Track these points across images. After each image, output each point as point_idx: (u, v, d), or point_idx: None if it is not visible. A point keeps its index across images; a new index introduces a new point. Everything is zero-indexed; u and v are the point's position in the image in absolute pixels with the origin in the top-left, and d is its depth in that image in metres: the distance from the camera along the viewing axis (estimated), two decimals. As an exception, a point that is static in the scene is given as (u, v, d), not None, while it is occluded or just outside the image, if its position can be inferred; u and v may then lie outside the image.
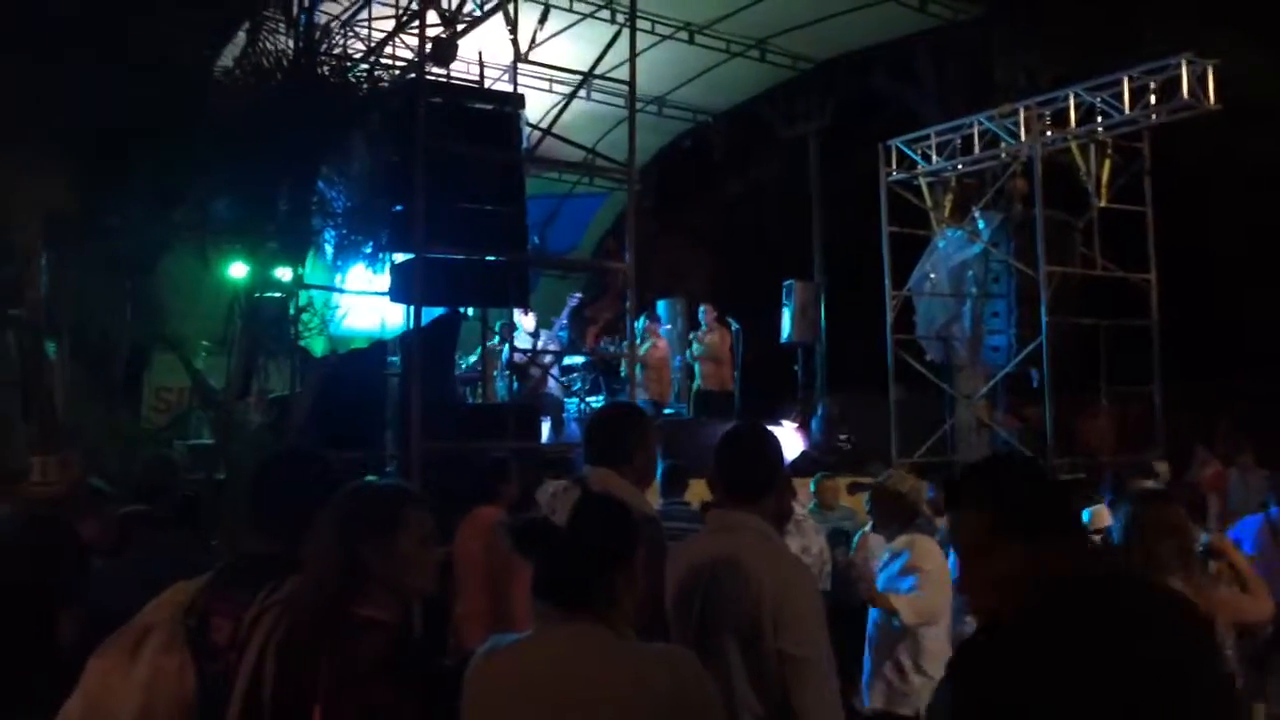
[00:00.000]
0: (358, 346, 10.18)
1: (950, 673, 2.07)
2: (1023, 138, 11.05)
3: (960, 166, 12.05)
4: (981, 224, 11.82)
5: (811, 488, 7.60)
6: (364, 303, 10.23)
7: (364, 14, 10.41)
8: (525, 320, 11.22)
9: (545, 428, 10.27)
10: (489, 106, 8.58)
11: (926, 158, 12.15)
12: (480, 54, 9.72)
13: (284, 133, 7.86)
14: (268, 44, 8.38)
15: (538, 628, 2.05)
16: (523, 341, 10.81)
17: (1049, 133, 10.96)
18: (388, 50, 9.77)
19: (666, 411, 12.61)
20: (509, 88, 9.36)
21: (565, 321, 12.24)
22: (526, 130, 9.02)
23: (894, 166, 12.42)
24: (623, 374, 10.78)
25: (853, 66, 13.42)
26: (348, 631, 1.97)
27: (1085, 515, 5.54)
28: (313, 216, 8.70)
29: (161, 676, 2.27)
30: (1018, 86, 12.11)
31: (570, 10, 10.73)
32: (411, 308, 7.98)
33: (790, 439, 12.13)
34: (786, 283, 13.54)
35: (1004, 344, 11.54)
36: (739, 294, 14.33)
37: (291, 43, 8.52)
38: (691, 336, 12.98)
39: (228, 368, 8.56)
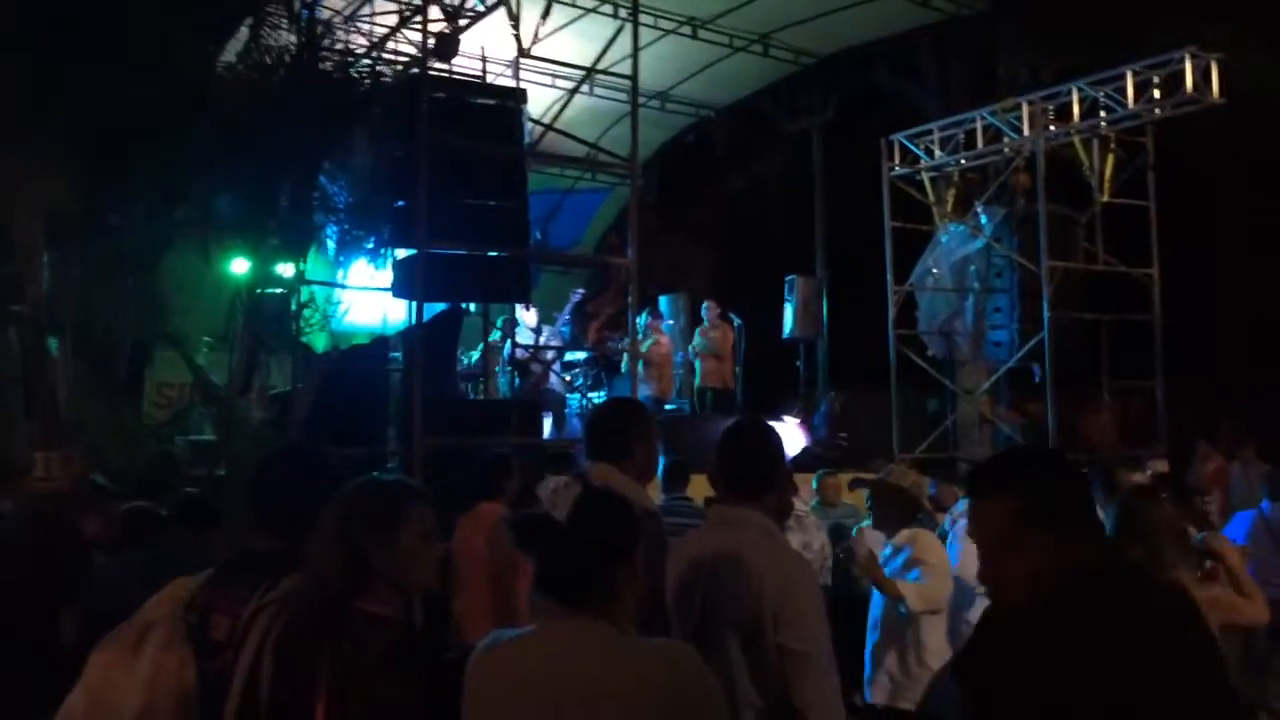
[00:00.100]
0: (359, 342, 10.21)
1: (969, 662, 2.07)
2: (1025, 132, 11.03)
3: (963, 161, 12.03)
4: (984, 219, 11.80)
5: (814, 484, 7.59)
6: (366, 298, 10.23)
7: (366, 9, 10.40)
8: (527, 316, 11.22)
9: (547, 423, 10.27)
10: (491, 102, 8.58)
11: (929, 152, 12.13)
12: (483, 49, 9.71)
13: (286, 128, 7.86)
14: (270, 39, 8.38)
15: (539, 623, 2.05)
16: (524, 337, 10.81)
17: (1052, 127, 10.94)
18: (390, 45, 9.77)
19: (668, 407, 12.61)
20: (511, 83, 9.36)
21: (567, 317, 12.24)
22: (529, 125, 9.01)
23: (896, 161, 12.40)
24: (624, 369, 10.77)
25: (855, 61, 13.40)
26: (351, 626, 1.97)
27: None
28: (314, 212, 8.71)
29: (163, 673, 2.27)
30: (1020, 81, 12.07)
31: (573, 5, 10.72)
32: (413, 303, 7.99)
33: (792, 435, 12.12)
34: (789, 278, 13.52)
35: (1006, 339, 11.51)
36: (741, 289, 14.33)
37: (293, 38, 8.51)
38: (694, 336, 12.98)
39: (229, 364, 8.58)
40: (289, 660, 1.99)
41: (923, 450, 11.75)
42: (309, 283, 8.94)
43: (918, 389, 12.41)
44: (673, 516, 4.98)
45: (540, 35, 9.22)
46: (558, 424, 10.96)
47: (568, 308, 12.16)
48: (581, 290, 13.16)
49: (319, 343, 9.77)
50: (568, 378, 11.92)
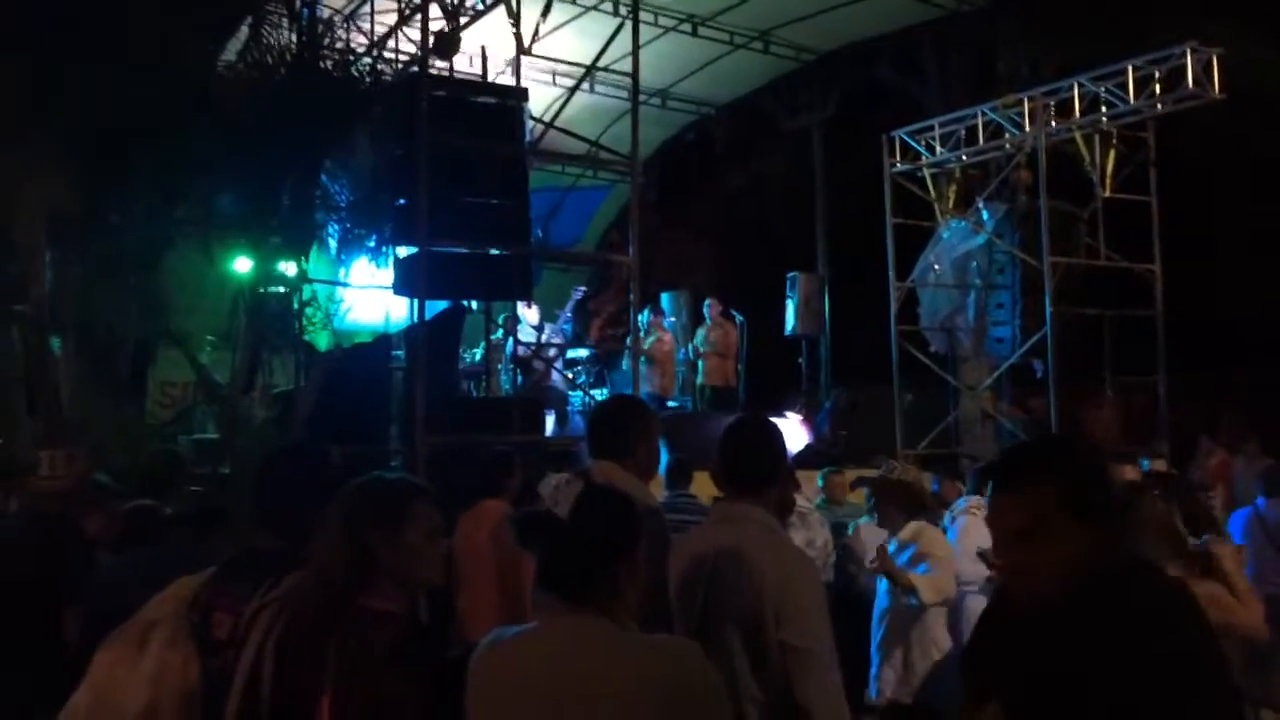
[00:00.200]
0: (362, 341, 10.22)
1: (981, 652, 2.07)
2: (1027, 128, 11.01)
3: (964, 157, 12.01)
4: (985, 215, 11.78)
5: (819, 483, 7.59)
6: (368, 296, 10.25)
7: (366, 8, 10.40)
8: (529, 314, 11.23)
9: (549, 421, 10.28)
10: (492, 100, 8.58)
11: (930, 149, 12.12)
12: (483, 47, 9.71)
13: (287, 127, 7.87)
14: (270, 39, 8.39)
15: (541, 620, 2.05)
16: (526, 335, 10.81)
17: (1053, 123, 10.92)
18: (390, 44, 9.78)
19: (670, 404, 12.61)
20: (512, 81, 9.36)
21: (569, 315, 12.24)
22: (529, 123, 9.01)
23: (898, 158, 12.39)
24: (626, 367, 10.78)
25: (856, 58, 13.39)
26: (357, 622, 1.98)
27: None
28: (316, 211, 8.73)
29: (167, 671, 2.28)
30: (1021, 76, 12.06)
31: (573, 3, 10.72)
32: (415, 301, 7.99)
33: (794, 431, 12.12)
34: (790, 275, 13.52)
35: (1008, 335, 11.50)
36: (742, 286, 14.32)
37: (294, 37, 8.53)
38: (696, 334, 12.98)
39: (232, 363, 8.59)
40: (291, 658, 2.00)
41: (925, 446, 11.75)
42: (311, 281, 8.96)
43: (915, 388, 12.40)
44: (676, 513, 4.99)
45: (540, 33, 9.22)
46: (560, 421, 10.96)
47: (569, 305, 12.16)
48: (583, 288, 13.18)
49: (321, 341, 9.79)
50: (570, 375, 11.93)
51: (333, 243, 9.21)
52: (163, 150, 7.61)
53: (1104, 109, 10.63)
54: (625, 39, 8.70)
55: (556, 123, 9.25)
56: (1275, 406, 9.92)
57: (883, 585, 4.79)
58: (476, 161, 7.96)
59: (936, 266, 12.24)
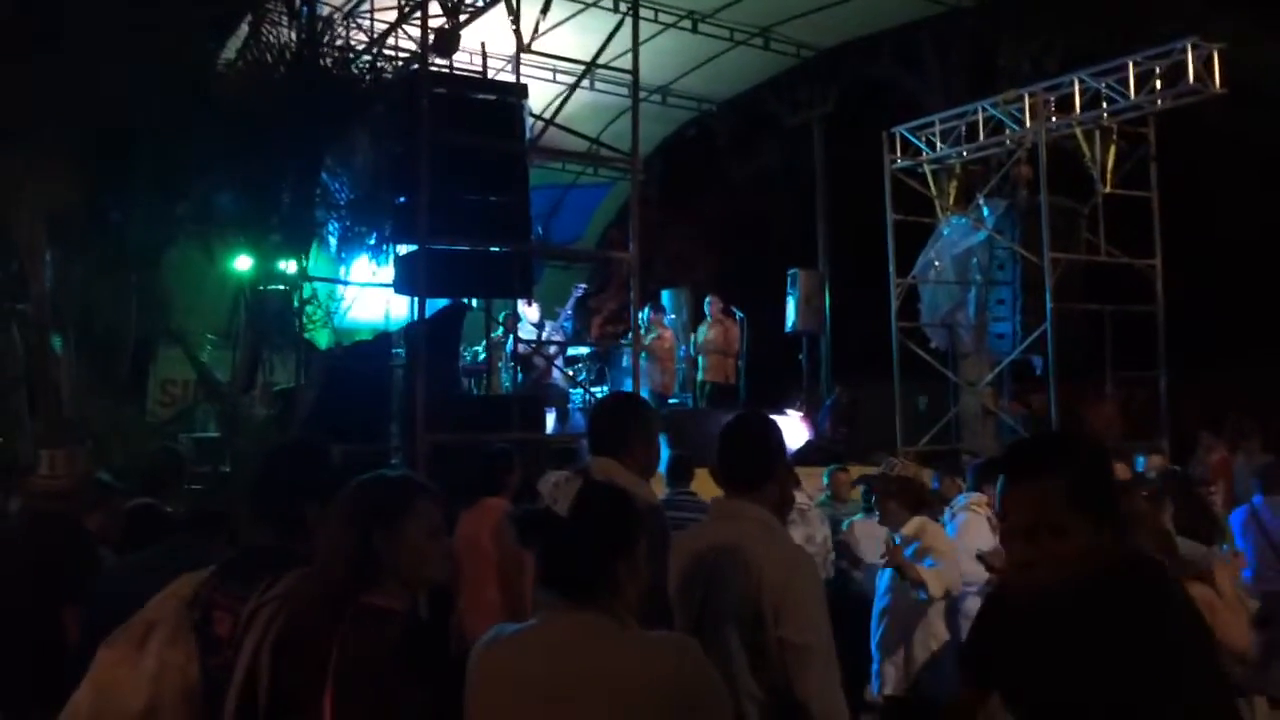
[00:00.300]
0: (362, 339, 10.22)
1: (985, 644, 2.07)
2: (1027, 124, 11.00)
3: (965, 153, 12.01)
4: (986, 211, 11.78)
5: (825, 480, 7.60)
6: (368, 294, 10.24)
7: (366, 5, 10.40)
8: (529, 311, 11.23)
9: (550, 419, 10.29)
10: (492, 97, 8.58)
11: (931, 145, 12.11)
12: (483, 44, 9.69)
13: (287, 125, 7.87)
14: (270, 36, 8.38)
15: (541, 617, 2.06)
16: (527, 332, 10.82)
17: (1054, 119, 10.91)
18: (390, 41, 9.77)
19: (671, 401, 12.63)
20: (512, 78, 9.35)
21: (570, 312, 12.25)
22: (530, 121, 9.00)
23: (898, 154, 12.38)
24: (626, 364, 10.78)
25: (857, 54, 13.39)
26: (359, 620, 1.98)
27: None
28: (316, 208, 8.72)
29: (168, 669, 2.28)
30: (1022, 72, 12.05)
31: (573, 0, 10.71)
32: (415, 299, 7.99)
33: (795, 428, 12.13)
34: (791, 272, 13.52)
35: (1009, 331, 11.49)
36: (743, 283, 14.32)
37: (293, 35, 8.52)
38: (696, 331, 12.99)
39: (233, 361, 8.60)
40: (292, 656, 2.00)
41: (926, 443, 11.75)
42: (311, 279, 8.96)
43: (916, 384, 12.41)
44: (677, 511, 5.00)
45: (540, 30, 9.20)
46: (561, 419, 10.97)
47: (570, 303, 12.17)
48: (584, 285, 13.19)
49: (322, 339, 9.79)
50: (570, 373, 11.93)
51: (333, 240, 9.21)
52: (163, 148, 7.61)
53: (1105, 104, 10.62)
54: (625, 35, 8.69)
55: (557, 120, 9.23)
56: (1276, 402, 9.91)
57: (883, 583, 4.80)
58: (477, 159, 7.95)
59: (937, 263, 12.23)
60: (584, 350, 13.04)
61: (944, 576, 4.46)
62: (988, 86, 11.90)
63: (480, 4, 8.66)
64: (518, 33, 8.91)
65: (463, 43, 8.66)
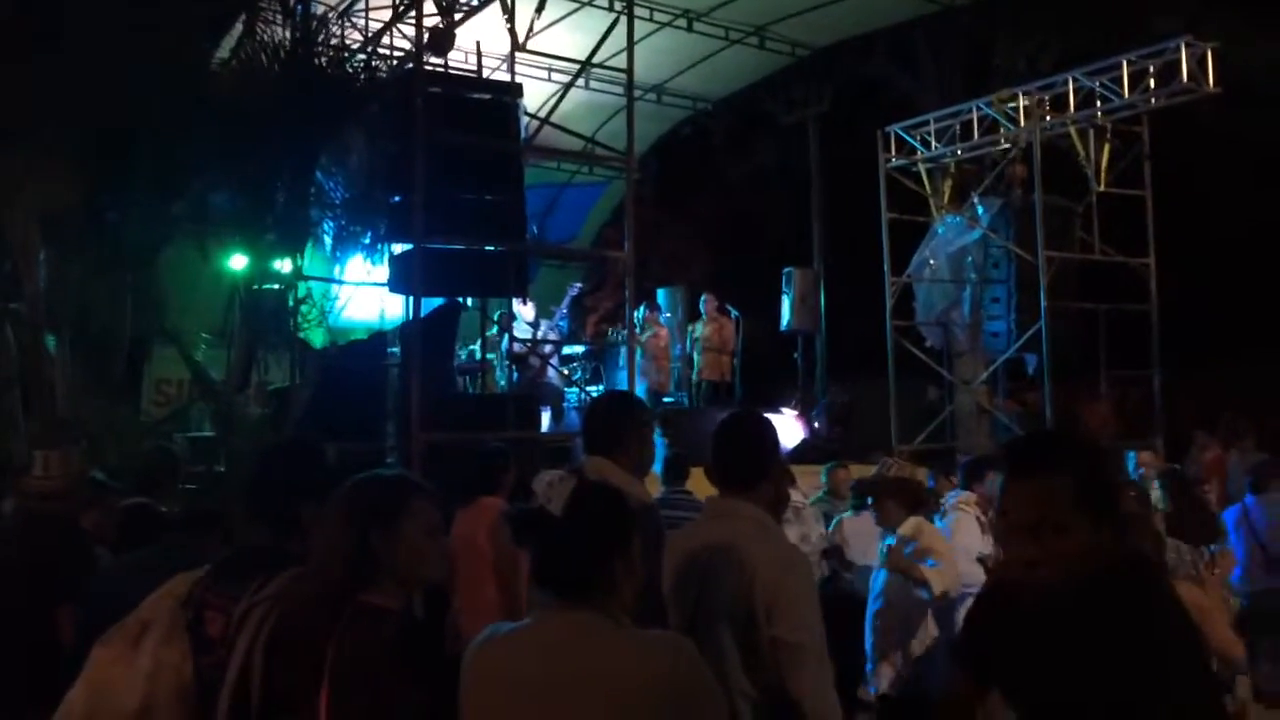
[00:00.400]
0: (357, 338, 10.21)
1: (979, 641, 2.09)
2: (1021, 123, 11.03)
3: (959, 152, 12.02)
4: (980, 210, 11.79)
5: (823, 478, 7.61)
6: (363, 293, 10.24)
7: (360, 4, 10.39)
8: (524, 310, 11.23)
9: (545, 417, 10.28)
10: (487, 96, 8.57)
11: (925, 144, 12.13)
12: (478, 44, 9.70)
13: (282, 124, 7.86)
14: (264, 35, 8.37)
15: (535, 616, 2.06)
16: (522, 331, 10.82)
17: (1048, 118, 10.93)
18: (385, 40, 9.76)
19: (667, 400, 12.64)
20: (507, 77, 9.35)
21: (565, 311, 12.25)
22: (525, 120, 9.00)
23: (893, 153, 12.40)
24: (622, 363, 10.79)
25: (852, 53, 13.40)
26: (356, 619, 1.99)
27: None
28: (311, 208, 8.72)
29: (163, 668, 2.28)
30: (1017, 71, 12.07)
31: (567, -1, 10.72)
32: (410, 298, 7.99)
33: (790, 427, 12.15)
34: (786, 270, 13.54)
35: (1004, 330, 11.51)
36: (738, 282, 14.34)
37: (288, 34, 8.51)
38: (692, 328, 13.00)
39: (227, 360, 8.59)
40: (284, 656, 2.01)
41: (920, 441, 11.76)
42: (306, 278, 8.94)
43: (911, 383, 12.42)
44: (672, 510, 5.00)
45: (535, 29, 9.21)
46: (556, 418, 10.97)
47: (565, 301, 12.18)
48: (579, 284, 13.19)
49: (316, 338, 9.79)
50: (566, 371, 11.93)
51: (328, 240, 9.20)
52: (159, 148, 7.60)
53: (1099, 103, 10.64)
54: (620, 35, 8.69)
55: (552, 119, 9.23)
56: (1270, 401, 9.94)
57: (877, 583, 4.80)
58: (472, 158, 7.95)
59: (932, 261, 12.25)
60: (579, 349, 13.04)
61: (946, 574, 4.48)
62: (982, 85, 11.92)
63: (475, 3, 8.66)
64: (512, 32, 8.91)
65: (457, 42, 8.66)
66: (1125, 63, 10.22)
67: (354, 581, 2.02)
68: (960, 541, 4.91)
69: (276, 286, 8.67)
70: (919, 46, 12.94)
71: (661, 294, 13.94)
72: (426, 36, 8.11)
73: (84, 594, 3.48)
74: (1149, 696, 1.79)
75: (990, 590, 2.25)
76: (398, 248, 8.50)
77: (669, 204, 16.98)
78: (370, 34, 10.03)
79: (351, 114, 8.59)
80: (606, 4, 10.83)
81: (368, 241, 9.15)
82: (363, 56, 9.31)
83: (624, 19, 8.75)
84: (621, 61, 8.77)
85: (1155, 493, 5.65)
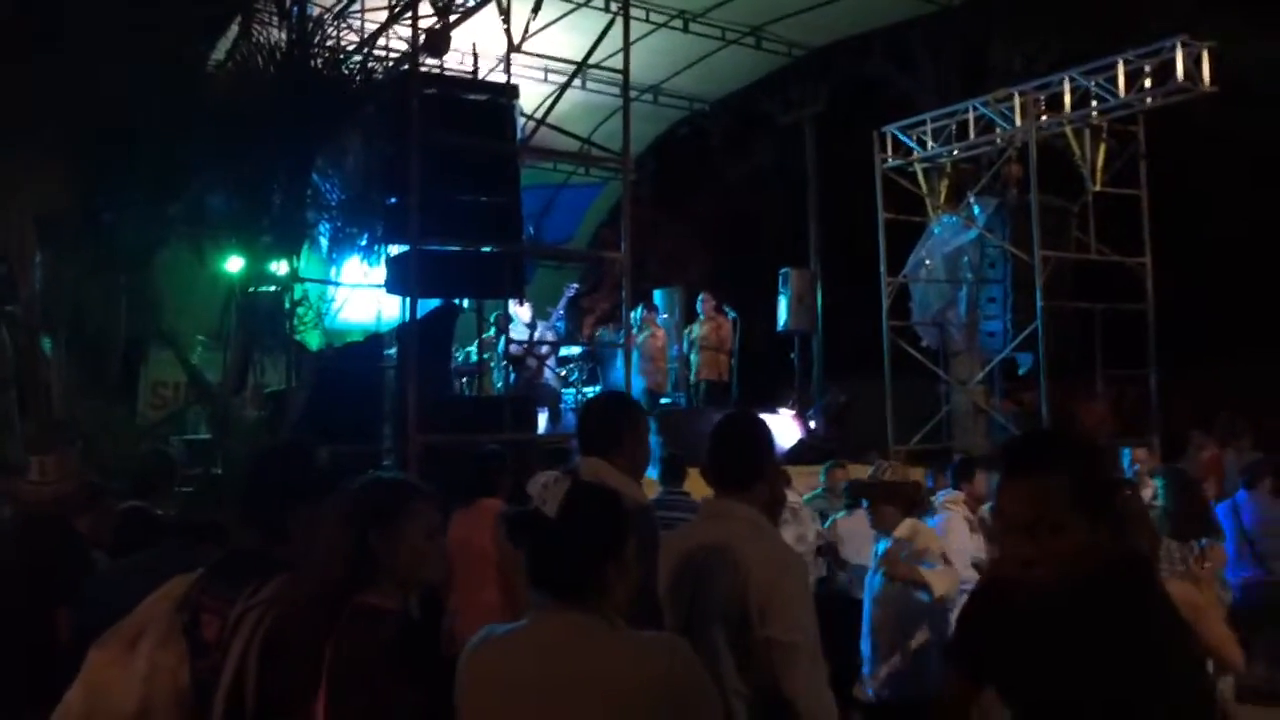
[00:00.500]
0: (353, 340, 10.21)
1: (974, 642, 2.09)
2: (1018, 122, 11.04)
3: (955, 152, 12.04)
4: (977, 209, 11.81)
5: (821, 477, 7.62)
6: (359, 295, 10.23)
7: (356, 5, 10.37)
8: (521, 311, 11.22)
9: (542, 419, 10.28)
10: (483, 97, 8.56)
11: (922, 144, 12.14)
12: (474, 45, 9.70)
13: (277, 126, 7.85)
14: (260, 37, 8.36)
15: (531, 617, 2.06)
16: (519, 332, 10.81)
17: (1044, 117, 10.95)
18: (381, 42, 9.75)
19: (664, 400, 12.64)
20: (503, 78, 9.34)
21: (562, 312, 12.24)
22: (521, 121, 9.00)
23: (889, 153, 12.41)
24: (619, 363, 10.79)
25: (848, 53, 13.41)
26: (354, 619, 1.99)
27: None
28: (307, 210, 8.71)
29: (159, 670, 2.28)
30: (1013, 71, 12.09)
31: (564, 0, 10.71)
32: (407, 300, 7.98)
33: (787, 427, 12.15)
34: (783, 271, 13.54)
35: (1000, 329, 11.53)
36: (735, 282, 14.34)
37: (284, 35, 8.50)
38: (689, 330, 13.00)
39: (224, 363, 8.57)
40: (281, 657, 2.01)
41: (917, 441, 11.77)
42: (302, 280, 8.94)
43: (907, 383, 12.43)
44: (668, 511, 5.01)
45: (531, 30, 9.19)
46: (553, 419, 10.97)
47: (562, 302, 12.16)
48: (576, 285, 13.18)
49: (313, 340, 9.78)
50: (563, 373, 11.93)
51: (324, 241, 9.20)
52: (154, 149, 7.59)
53: (1094, 103, 10.65)
54: (616, 35, 8.69)
55: (548, 120, 9.22)
56: (1266, 400, 9.96)
57: (874, 585, 4.80)
58: (468, 159, 7.94)
59: (928, 261, 12.26)
60: (576, 350, 13.04)
61: (946, 577, 4.49)
62: (979, 85, 11.93)
63: (471, 4, 8.65)
64: (508, 33, 8.90)
65: (453, 43, 8.64)
66: (1121, 62, 10.23)
67: (353, 582, 2.03)
68: (950, 541, 4.92)
69: (273, 288, 8.66)
70: (915, 47, 12.95)
71: (658, 295, 13.95)
72: (422, 38, 8.11)
73: (80, 597, 3.48)
74: (1145, 695, 1.80)
75: (985, 589, 2.25)
76: (394, 249, 8.50)
77: (666, 204, 16.99)
78: (366, 35, 10.02)
79: (347, 116, 8.58)
80: (603, 5, 10.84)
81: (364, 243, 9.14)
82: (358, 58, 9.30)
83: (620, 20, 8.74)
84: (618, 62, 8.77)
85: (1149, 490, 5.67)
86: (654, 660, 1.96)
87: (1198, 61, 9.89)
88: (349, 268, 9.60)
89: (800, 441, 12.05)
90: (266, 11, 8.41)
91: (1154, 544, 3.68)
